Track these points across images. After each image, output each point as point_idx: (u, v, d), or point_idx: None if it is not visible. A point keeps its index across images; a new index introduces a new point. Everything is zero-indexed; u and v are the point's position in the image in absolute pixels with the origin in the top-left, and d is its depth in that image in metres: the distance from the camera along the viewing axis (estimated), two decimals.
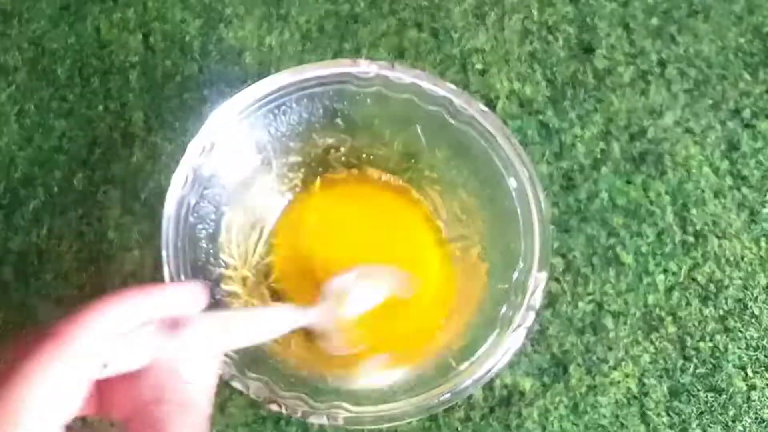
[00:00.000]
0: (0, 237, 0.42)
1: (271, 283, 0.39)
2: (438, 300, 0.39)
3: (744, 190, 0.44)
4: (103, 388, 0.22)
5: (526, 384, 0.39)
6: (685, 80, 0.47)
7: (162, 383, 0.22)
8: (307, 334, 0.38)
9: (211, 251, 0.36)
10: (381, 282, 0.37)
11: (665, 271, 0.42)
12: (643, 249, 0.42)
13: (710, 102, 0.46)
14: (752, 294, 0.41)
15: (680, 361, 0.40)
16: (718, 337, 0.40)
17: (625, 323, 0.40)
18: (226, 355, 0.32)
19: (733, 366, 0.40)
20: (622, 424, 0.39)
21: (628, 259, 0.42)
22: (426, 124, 0.38)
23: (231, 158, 0.36)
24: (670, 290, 0.41)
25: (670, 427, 0.38)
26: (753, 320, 0.41)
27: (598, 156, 0.44)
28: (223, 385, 0.38)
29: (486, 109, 0.36)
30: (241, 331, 0.27)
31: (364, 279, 0.36)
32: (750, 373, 0.40)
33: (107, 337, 0.21)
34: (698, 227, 0.43)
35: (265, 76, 0.36)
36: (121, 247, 0.42)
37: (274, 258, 0.40)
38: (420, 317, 0.39)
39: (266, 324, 0.29)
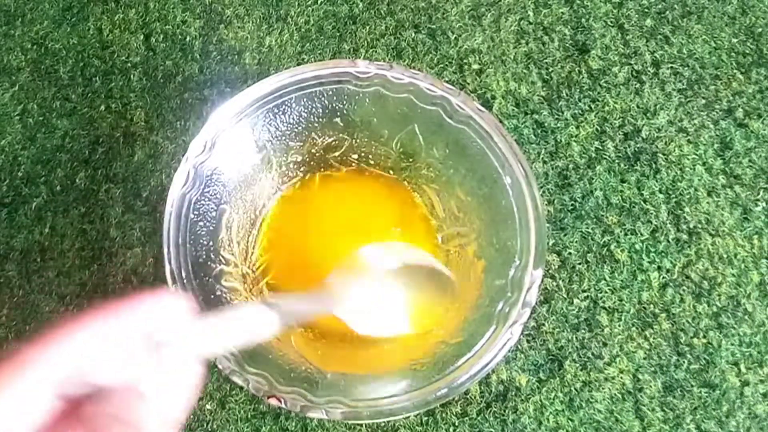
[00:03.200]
0: (3, 235, 0.43)
1: (270, 279, 0.40)
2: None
3: (737, 188, 0.44)
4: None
5: (522, 379, 0.39)
6: (678, 80, 0.47)
7: (126, 403, 0.21)
8: (313, 326, 0.39)
9: (212, 248, 0.36)
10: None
11: (659, 268, 0.42)
12: (637, 246, 0.43)
13: (703, 101, 0.46)
14: (745, 291, 0.42)
15: (674, 357, 0.40)
16: (711, 333, 0.41)
17: (619, 320, 0.41)
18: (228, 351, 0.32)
19: (727, 362, 0.40)
20: (617, 419, 0.39)
21: (622, 256, 0.42)
22: (423, 123, 0.38)
23: (231, 157, 0.37)
24: (664, 287, 0.42)
25: (665, 422, 0.39)
26: (746, 317, 0.41)
27: (593, 155, 0.45)
28: (224, 380, 0.39)
29: (482, 108, 0.36)
30: (227, 338, 0.25)
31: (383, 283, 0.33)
32: (743, 369, 0.40)
33: (87, 353, 0.20)
34: (692, 225, 0.43)
35: (265, 76, 0.37)
36: (123, 244, 0.42)
37: (274, 255, 0.40)
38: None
39: (254, 327, 0.27)
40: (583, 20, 0.49)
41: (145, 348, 0.21)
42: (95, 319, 0.21)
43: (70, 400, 0.21)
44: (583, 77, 0.47)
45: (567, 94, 0.46)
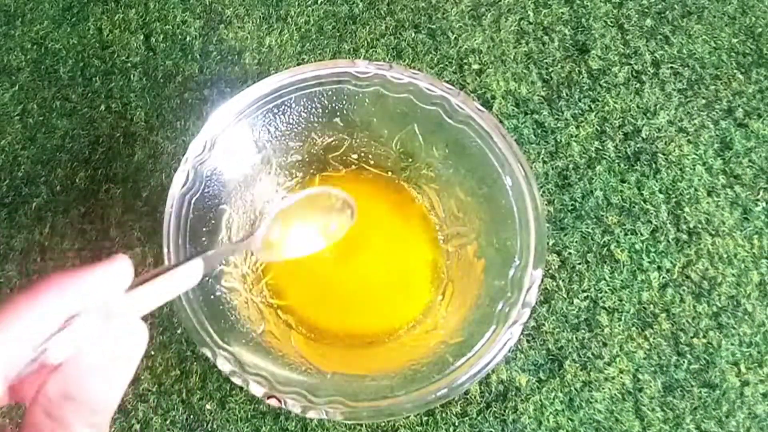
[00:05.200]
0: (3, 235, 0.43)
1: (269, 279, 0.40)
2: (434, 296, 0.40)
3: (737, 188, 0.44)
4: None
5: (522, 379, 0.40)
6: (678, 80, 0.47)
7: (74, 379, 0.21)
8: (307, 329, 0.39)
9: (212, 248, 0.36)
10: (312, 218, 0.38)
11: (659, 268, 0.42)
12: (637, 246, 0.43)
13: (703, 101, 0.47)
14: (745, 291, 0.42)
15: (674, 357, 0.40)
16: (711, 333, 0.41)
17: (619, 320, 0.41)
18: (228, 351, 0.32)
19: (727, 362, 0.40)
20: (617, 419, 0.39)
21: (622, 256, 0.42)
22: (423, 123, 0.38)
23: (231, 157, 0.37)
24: (664, 287, 0.42)
25: (665, 422, 0.39)
26: (746, 317, 0.41)
27: (593, 155, 0.45)
28: (224, 380, 0.39)
29: (482, 108, 0.36)
30: (162, 295, 0.26)
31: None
32: (743, 369, 0.40)
33: (37, 328, 0.20)
34: (692, 225, 0.43)
35: (265, 76, 0.37)
36: (123, 244, 0.42)
37: None
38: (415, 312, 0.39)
39: (185, 279, 0.27)
40: (583, 20, 0.49)
41: (90, 318, 0.22)
42: (38, 298, 0.21)
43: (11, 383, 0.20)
44: (583, 77, 0.47)
45: (567, 94, 0.46)
